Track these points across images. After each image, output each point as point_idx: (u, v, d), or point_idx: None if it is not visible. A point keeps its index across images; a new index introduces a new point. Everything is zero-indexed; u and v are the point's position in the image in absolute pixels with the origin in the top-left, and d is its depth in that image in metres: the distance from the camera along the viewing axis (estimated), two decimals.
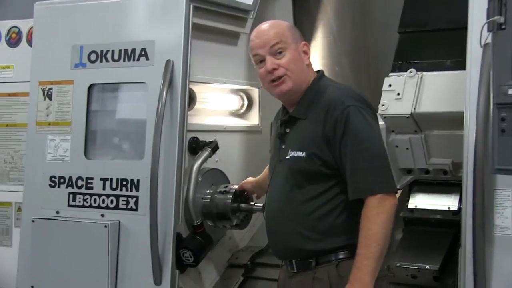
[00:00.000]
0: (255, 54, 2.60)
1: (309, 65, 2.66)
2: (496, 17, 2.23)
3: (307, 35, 4.19)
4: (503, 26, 2.23)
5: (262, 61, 2.57)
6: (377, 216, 2.37)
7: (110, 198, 3.08)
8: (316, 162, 2.49)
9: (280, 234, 2.61)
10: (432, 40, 3.47)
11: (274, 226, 2.64)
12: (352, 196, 2.44)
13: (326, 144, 2.47)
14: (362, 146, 2.44)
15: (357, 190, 2.43)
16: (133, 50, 3.08)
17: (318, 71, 2.70)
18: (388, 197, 2.41)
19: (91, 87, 3.22)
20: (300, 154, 2.52)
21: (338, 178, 2.50)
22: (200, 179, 3.17)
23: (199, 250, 3.00)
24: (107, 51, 3.16)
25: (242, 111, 3.87)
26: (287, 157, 2.56)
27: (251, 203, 3.28)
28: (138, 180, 3.01)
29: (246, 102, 3.86)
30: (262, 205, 3.23)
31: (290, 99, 2.62)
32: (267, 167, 2.92)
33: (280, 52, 2.54)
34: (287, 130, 2.63)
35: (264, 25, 2.64)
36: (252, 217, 3.39)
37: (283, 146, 2.62)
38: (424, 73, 3.17)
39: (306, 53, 2.65)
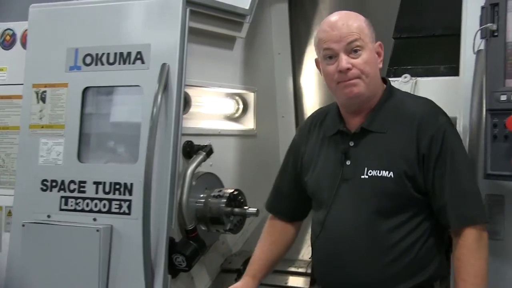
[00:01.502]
0: (327, 48, 2.25)
1: (380, 69, 2.37)
2: (489, 25, 2.27)
3: (303, 40, 4.20)
4: (496, 33, 2.27)
5: (331, 56, 2.25)
6: (480, 250, 2.15)
7: (103, 202, 3.06)
8: (407, 184, 2.19)
9: (352, 267, 2.25)
10: (427, 46, 3.49)
11: (344, 258, 2.27)
12: (457, 225, 2.17)
13: (418, 163, 2.20)
14: (461, 168, 2.20)
15: (462, 217, 2.17)
16: (129, 54, 3.07)
17: (383, 78, 2.42)
18: (485, 228, 2.19)
19: (85, 90, 3.19)
20: (385, 173, 2.20)
21: (424, 203, 2.23)
22: (194, 183, 3.15)
23: (192, 255, 2.99)
24: (103, 54, 3.14)
25: (237, 115, 3.87)
26: (363, 177, 2.23)
27: (245, 207, 3.27)
28: (131, 184, 2.99)
29: (241, 106, 3.86)
30: (256, 209, 3.24)
31: (357, 106, 2.30)
32: (262, 246, 2.63)
33: (356, 51, 2.22)
34: (351, 144, 2.30)
35: (342, 16, 2.30)
36: (246, 221, 3.38)
37: (348, 163, 2.28)
38: (419, 78, 3.19)
39: (380, 55, 2.35)
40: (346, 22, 2.25)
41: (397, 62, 3.27)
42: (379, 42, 2.34)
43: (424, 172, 2.20)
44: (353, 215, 2.25)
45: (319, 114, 2.53)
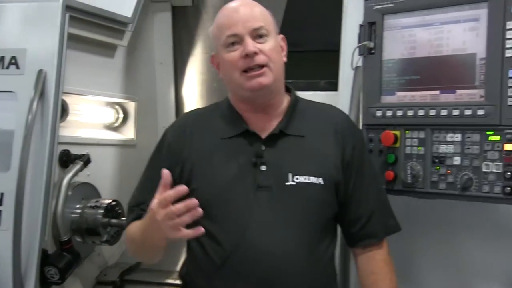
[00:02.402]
0: (230, 34, 2.00)
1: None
2: (366, 42, 2.35)
3: (186, 51, 4.21)
4: (373, 51, 2.36)
5: (234, 43, 2.00)
6: (391, 262, 2.10)
7: None
8: (333, 191, 2.02)
9: (291, 283, 1.95)
10: (308, 61, 3.57)
11: (277, 274, 1.93)
12: (382, 235, 2.08)
13: (343, 171, 2.03)
14: (378, 179, 2.19)
15: (388, 227, 2.11)
16: (2, 58, 2.93)
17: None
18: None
19: None
20: (314, 180, 1.97)
21: (336, 212, 2.07)
22: (70, 193, 3.06)
23: (66, 267, 2.90)
24: None
25: (117, 124, 3.81)
26: (288, 184, 1.96)
27: (123, 218, 3.21)
28: (2, 194, 2.86)
29: (121, 115, 3.81)
30: None
31: (261, 100, 2.04)
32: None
33: (262, 36, 2.00)
34: (263, 148, 2.02)
35: (243, 1, 2.08)
36: (123, 233, 3.32)
37: (263, 168, 1.98)
38: (299, 92, 3.25)
39: (283, 49, 2.13)
40: (250, 7, 2.05)
41: None
42: (282, 35, 2.14)
43: (345, 181, 2.04)
44: (281, 229, 1.94)
45: (201, 115, 2.21)
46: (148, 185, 2.09)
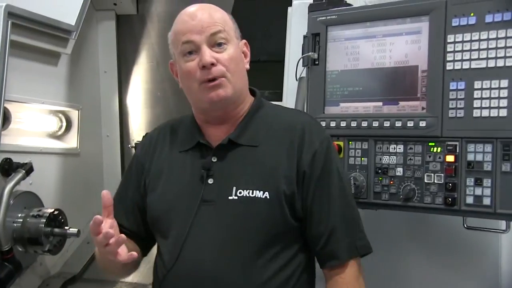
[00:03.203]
0: (186, 41, 1.88)
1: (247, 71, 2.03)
2: (310, 53, 2.37)
3: (130, 59, 4.19)
4: (317, 62, 2.38)
5: (192, 52, 1.89)
6: (362, 284, 1.91)
7: None
8: (284, 207, 1.84)
9: None
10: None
11: None
12: (345, 255, 1.87)
13: (297, 183, 1.86)
14: (346, 190, 1.94)
15: (351, 247, 1.88)
16: None
17: (251, 89, 2.09)
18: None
19: None
20: (259, 194, 1.83)
21: (298, 231, 1.91)
22: (11, 202, 3.00)
23: (7, 277, 2.84)
24: None
25: (60, 132, 3.75)
26: (231, 198, 1.85)
27: (66, 227, 3.17)
28: None
29: (64, 124, 3.75)
30: (77, 230, 3.15)
31: (222, 112, 1.94)
32: None
33: (220, 44, 1.88)
34: (214, 160, 1.92)
35: (202, 6, 1.95)
36: (66, 242, 3.28)
37: (211, 181, 1.89)
38: None
39: (246, 55, 2.04)
40: (208, 12, 1.92)
41: None
42: (244, 41, 2.04)
43: (303, 193, 1.88)
44: (217, 245, 1.84)
45: (166, 127, 2.13)
46: (117, 199, 2.04)
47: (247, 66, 2.02)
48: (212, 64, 1.85)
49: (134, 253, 1.74)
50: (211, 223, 1.86)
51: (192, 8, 1.95)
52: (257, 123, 1.97)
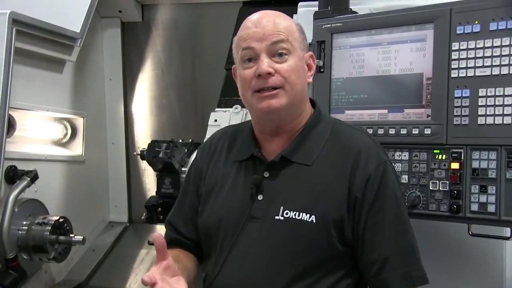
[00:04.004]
0: (246, 48, 1.82)
1: (309, 85, 1.94)
2: (316, 61, 2.37)
3: (135, 67, 4.20)
4: (322, 69, 2.39)
5: (251, 59, 1.82)
6: None
7: None
8: (331, 232, 1.76)
9: None
10: None
11: None
12: (399, 286, 1.76)
13: (348, 208, 1.77)
14: (403, 217, 1.81)
15: (407, 277, 1.77)
16: None
17: (311, 100, 2.00)
18: None
19: None
20: (306, 217, 1.76)
21: (346, 257, 1.82)
22: (16, 209, 3.00)
23: (11, 285, 2.84)
24: None
25: (65, 140, 3.75)
26: (278, 218, 1.79)
27: (71, 235, 3.17)
28: None
29: (69, 131, 3.75)
30: (82, 237, 3.15)
31: (276, 125, 1.87)
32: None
33: (281, 54, 1.80)
34: (266, 175, 1.86)
35: (268, 13, 1.86)
36: (71, 250, 3.28)
37: (260, 198, 1.85)
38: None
39: (311, 68, 1.94)
40: (273, 20, 1.83)
41: (229, 93, 3.34)
42: (310, 53, 1.94)
43: (355, 219, 1.78)
44: (258, 264, 1.80)
45: (228, 133, 2.08)
46: (178, 204, 2.12)
47: (310, 80, 1.93)
48: (269, 74, 1.78)
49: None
50: (256, 240, 1.82)
51: (257, 15, 1.87)
52: (313, 139, 1.88)
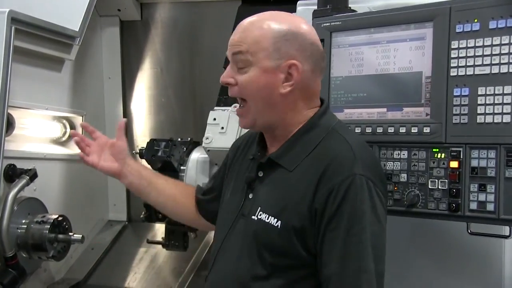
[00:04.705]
0: (226, 56, 1.88)
1: (293, 93, 1.82)
2: None
3: (134, 66, 4.20)
4: None
5: None
6: None
7: None
8: (294, 240, 1.74)
9: None
10: None
11: None
12: None
13: (311, 218, 1.73)
14: (358, 239, 1.69)
15: None
16: None
17: (322, 102, 1.96)
18: None
19: None
20: (273, 221, 1.77)
21: (313, 269, 1.77)
22: (15, 208, 3.02)
23: (11, 283, 2.86)
24: None
25: (64, 139, 3.76)
26: (253, 217, 1.82)
27: (70, 233, 3.18)
28: None
29: (68, 130, 3.76)
30: (81, 236, 3.16)
31: (264, 133, 1.93)
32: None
33: (241, 67, 1.81)
34: (260, 174, 1.89)
35: (251, 19, 1.85)
36: (70, 248, 3.28)
37: (250, 196, 1.88)
38: None
39: (289, 79, 1.81)
40: (243, 29, 1.82)
41: (227, 92, 3.34)
42: (290, 62, 1.79)
43: (315, 231, 1.74)
44: (234, 262, 1.84)
45: (253, 133, 2.08)
46: (215, 174, 2.30)
47: (283, 91, 1.81)
48: (228, 84, 1.83)
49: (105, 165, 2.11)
50: (238, 238, 1.86)
51: (240, 22, 1.87)
52: (302, 145, 1.84)
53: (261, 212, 1.81)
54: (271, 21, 1.82)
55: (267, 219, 1.78)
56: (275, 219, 1.76)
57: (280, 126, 1.86)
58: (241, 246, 1.84)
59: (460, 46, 2.05)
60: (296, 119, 1.87)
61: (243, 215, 1.87)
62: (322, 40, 2.36)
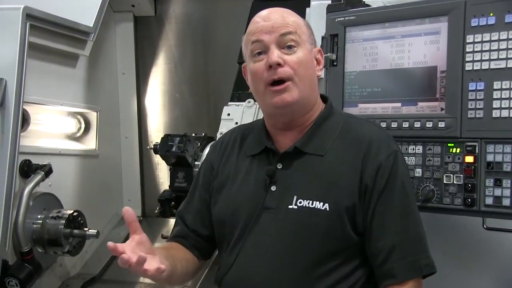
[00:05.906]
0: (256, 40, 1.84)
1: (318, 79, 1.96)
2: (328, 54, 2.37)
3: (148, 61, 4.20)
4: (335, 63, 2.38)
5: (261, 52, 1.85)
6: None
7: None
8: (345, 220, 1.77)
9: None
10: None
11: None
12: (404, 276, 1.76)
13: (359, 196, 1.79)
14: (410, 207, 1.82)
15: (412, 267, 1.77)
16: None
17: (323, 96, 2.01)
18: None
19: None
20: (319, 205, 1.78)
21: (359, 247, 1.82)
22: (31, 203, 3.03)
23: (27, 278, 2.86)
24: None
25: (78, 134, 3.77)
26: (291, 207, 1.81)
27: (85, 229, 3.19)
28: None
29: (83, 125, 3.77)
30: (96, 231, 3.17)
31: (288, 118, 1.89)
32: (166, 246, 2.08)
33: (290, 47, 1.83)
34: (280, 166, 1.89)
35: (276, 9, 1.89)
36: (86, 243, 3.30)
37: (274, 188, 1.87)
38: None
39: (319, 63, 1.96)
40: (281, 14, 1.86)
41: (241, 87, 3.34)
42: (318, 48, 1.96)
43: (365, 207, 1.80)
44: (273, 254, 1.81)
45: (240, 131, 2.12)
46: (188, 198, 2.15)
47: (319, 74, 1.95)
48: (279, 65, 1.80)
49: (162, 267, 1.67)
50: (269, 231, 1.84)
51: (265, 11, 1.90)
52: (325, 131, 1.90)
53: (300, 200, 1.80)
54: (293, 12, 1.92)
55: (311, 204, 1.79)
56: (321, 203, 1.78)
57: (308, 110, 1.90)
58: (277, 239, 1.82)
59: (476, 40, 2.05)
60: (317, 106, 1.94)
61: (267, 209, 1.85)
62: (336, 35, 2.37)
